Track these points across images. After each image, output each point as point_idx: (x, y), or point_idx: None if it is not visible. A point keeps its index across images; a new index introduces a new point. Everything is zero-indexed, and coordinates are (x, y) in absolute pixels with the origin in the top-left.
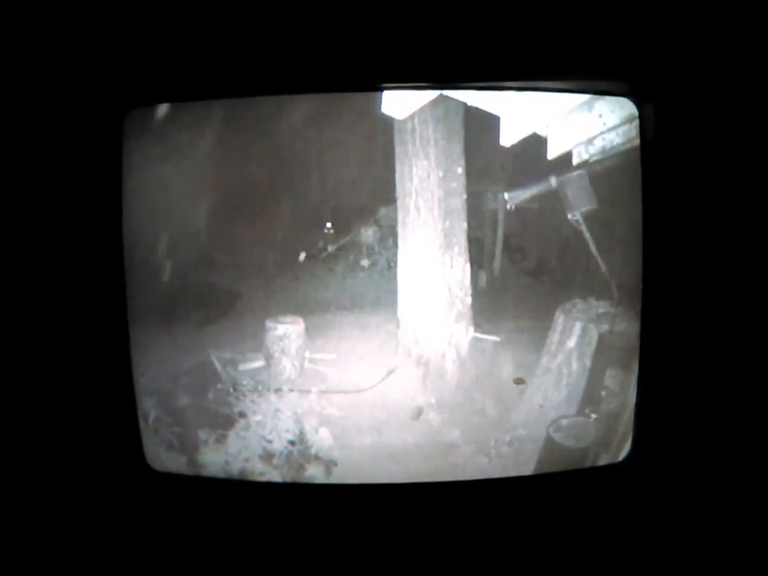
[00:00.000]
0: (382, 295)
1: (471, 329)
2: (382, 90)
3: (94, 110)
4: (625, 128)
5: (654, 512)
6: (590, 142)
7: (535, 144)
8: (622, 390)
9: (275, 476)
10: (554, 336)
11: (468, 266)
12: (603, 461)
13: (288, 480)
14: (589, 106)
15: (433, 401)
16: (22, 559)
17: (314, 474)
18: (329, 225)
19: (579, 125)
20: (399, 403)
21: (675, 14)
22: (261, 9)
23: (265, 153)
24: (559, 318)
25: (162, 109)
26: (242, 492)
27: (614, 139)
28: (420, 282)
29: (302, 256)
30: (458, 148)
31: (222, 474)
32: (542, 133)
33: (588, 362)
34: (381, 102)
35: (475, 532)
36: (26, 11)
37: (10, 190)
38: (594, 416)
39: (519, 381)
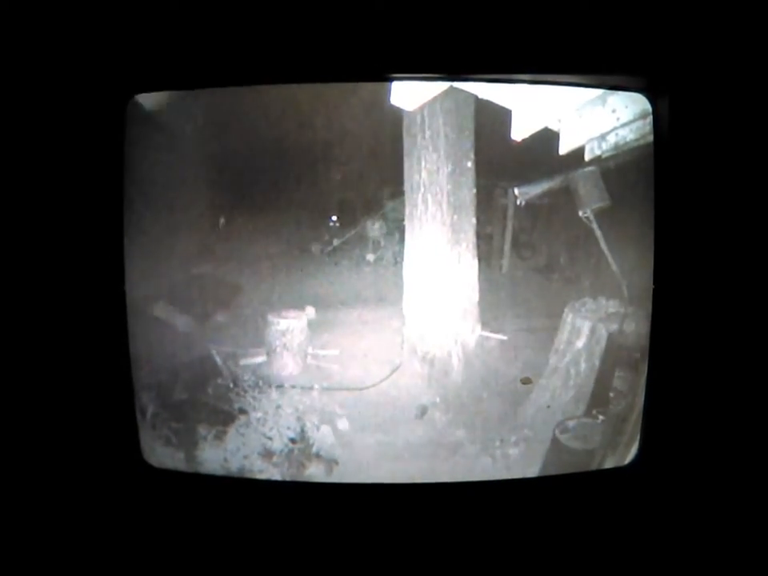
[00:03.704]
0: (387, 291)
1: (478, 327)
2: (391, 80)
3: (97, 96)
4: (638, 124)
5: (661, 517)
6: (602, 137)
7: (547, 138)
8: (630, 391)
9: (275, 474)
10: (563, 335)
11: (476, 262)
12: (610, 464)
13: (288, 478)
14: (602, 100)
15: (438, 399)
16: (17, 555)
17: (315, 472)
18: (334, 218)
19: (592, 120)
20: (403, 401)
21: (691, 8)
22: None
23: (270, 142)
24: (568, 317)
25: (165, 95)
26: (240, 490)
27: (627, 135)
28: (427, 278)
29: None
30: (468, 141)
31: (220, 471)
32: (553, 127)
33: (597, 363)
34: (390, 93)
35: (478, 534)
36: None
37: (12, 176)
38: (601, 417)
39: (526, 380)
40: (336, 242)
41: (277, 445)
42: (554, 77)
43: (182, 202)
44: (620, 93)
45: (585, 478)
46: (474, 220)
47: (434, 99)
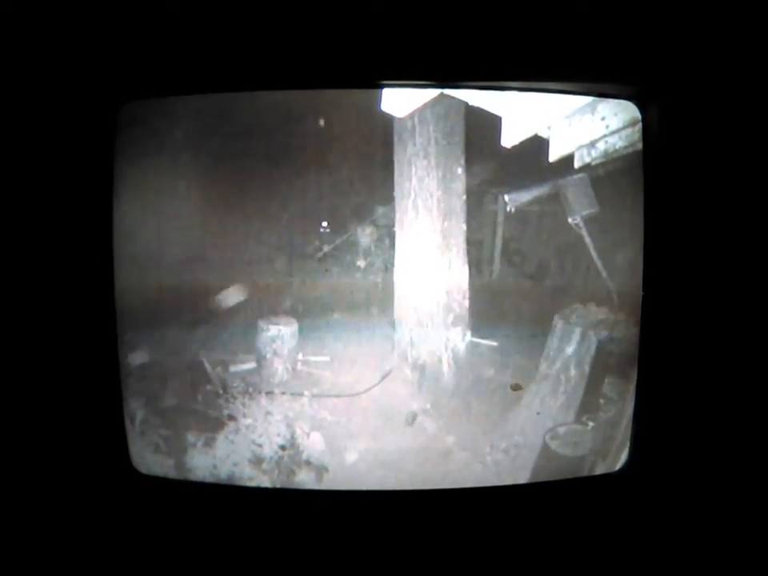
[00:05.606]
0: (377, 297)
1: (468, 333)
2: (382, 87)
3: (88, 103)
4: (628, 131)
5: (651, 523)
6: (592, 144)
7: (537, 145)
8: (620, 397)
9: (264, 481)
10: (553, 342)
11: (466, 268)
12: (600, 470)
13: (278, 485)
14: (592, 108)
15: (428, 406)
16: (7, 562)
17: (305, 479)
18: (325, 224)
19: (581, 127)
20: (394, 408)
21: (681, 17)
22: (260, 2)
23: (261, 149)
24: (558, 324)
25: (156, 102)
26: (230, 497)
27: (617, 142)
28: (417, 285)
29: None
30: (458, 148)
31: (209, 479)
32: (543, 134)
33: (586, 369)
34: (380, 100)
35: (469, 541)
36: (20, 5)
37: (2, 182)
38: (591, 424)
39: (516, 387)
40: (326, 248)
41: (266, 452)
42: (543, 84)
43: (172, 208)
44: (609, 100)
45: (575, 484)
46: (464, 226)
47: (425, 106)
